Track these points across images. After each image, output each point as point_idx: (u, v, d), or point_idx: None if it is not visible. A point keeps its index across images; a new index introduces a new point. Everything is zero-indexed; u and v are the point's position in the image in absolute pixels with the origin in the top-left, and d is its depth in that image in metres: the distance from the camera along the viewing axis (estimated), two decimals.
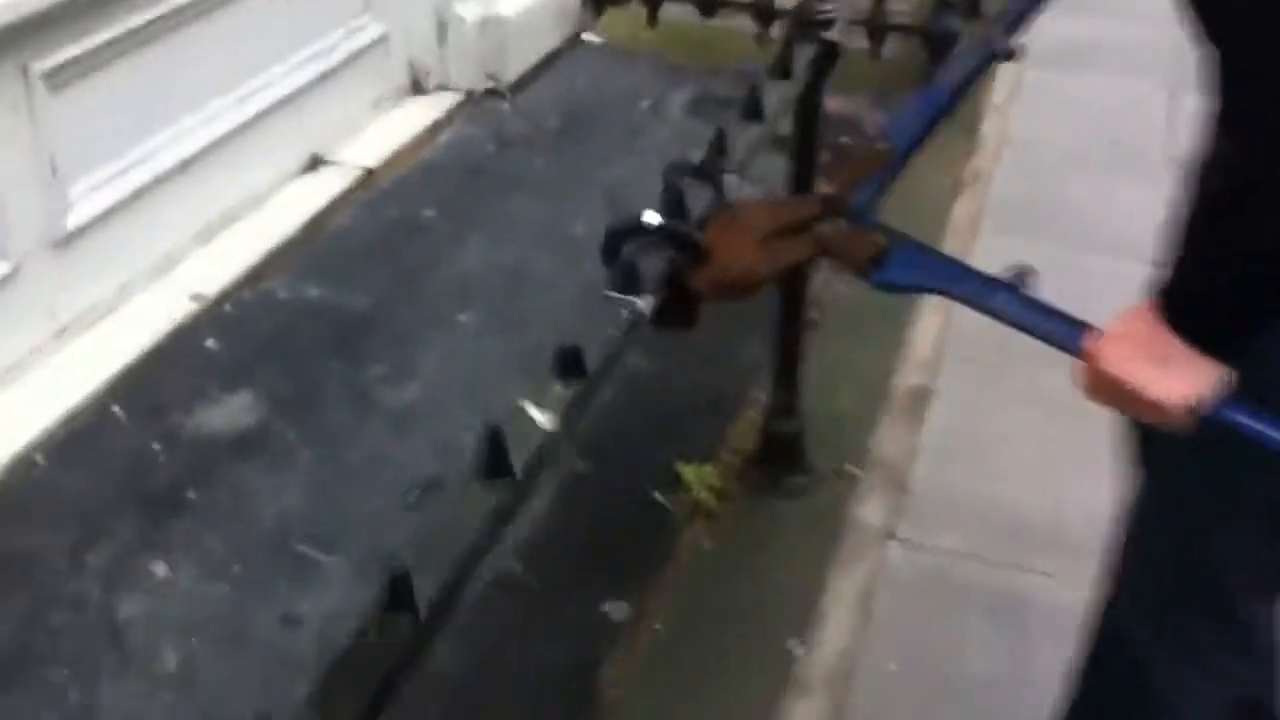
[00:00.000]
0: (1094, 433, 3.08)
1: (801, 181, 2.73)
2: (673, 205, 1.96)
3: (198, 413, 2.86)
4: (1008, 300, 2.01)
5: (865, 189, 2.12)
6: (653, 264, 1.88)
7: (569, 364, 1.55)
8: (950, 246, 3.83)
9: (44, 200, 2.88)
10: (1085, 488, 2.93)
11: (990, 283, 2.04)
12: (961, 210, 4.05)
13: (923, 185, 4.09)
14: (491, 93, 4.35)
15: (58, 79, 2.86)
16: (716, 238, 2.03)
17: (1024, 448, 3.08)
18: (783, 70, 2.39)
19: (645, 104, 4.52)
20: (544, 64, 4.61)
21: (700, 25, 4.91)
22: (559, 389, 1.55)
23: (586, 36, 4.92)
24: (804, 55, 2.48)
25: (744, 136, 2.21)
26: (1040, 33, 5.61)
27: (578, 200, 3.84)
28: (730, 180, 2.06)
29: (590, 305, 2.80)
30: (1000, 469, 3.01)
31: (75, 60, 2.91)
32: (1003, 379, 3.27)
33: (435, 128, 4.11)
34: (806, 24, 2.55)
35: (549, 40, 4.68)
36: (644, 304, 1.75)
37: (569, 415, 1.57)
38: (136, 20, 3.06)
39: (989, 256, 3.98)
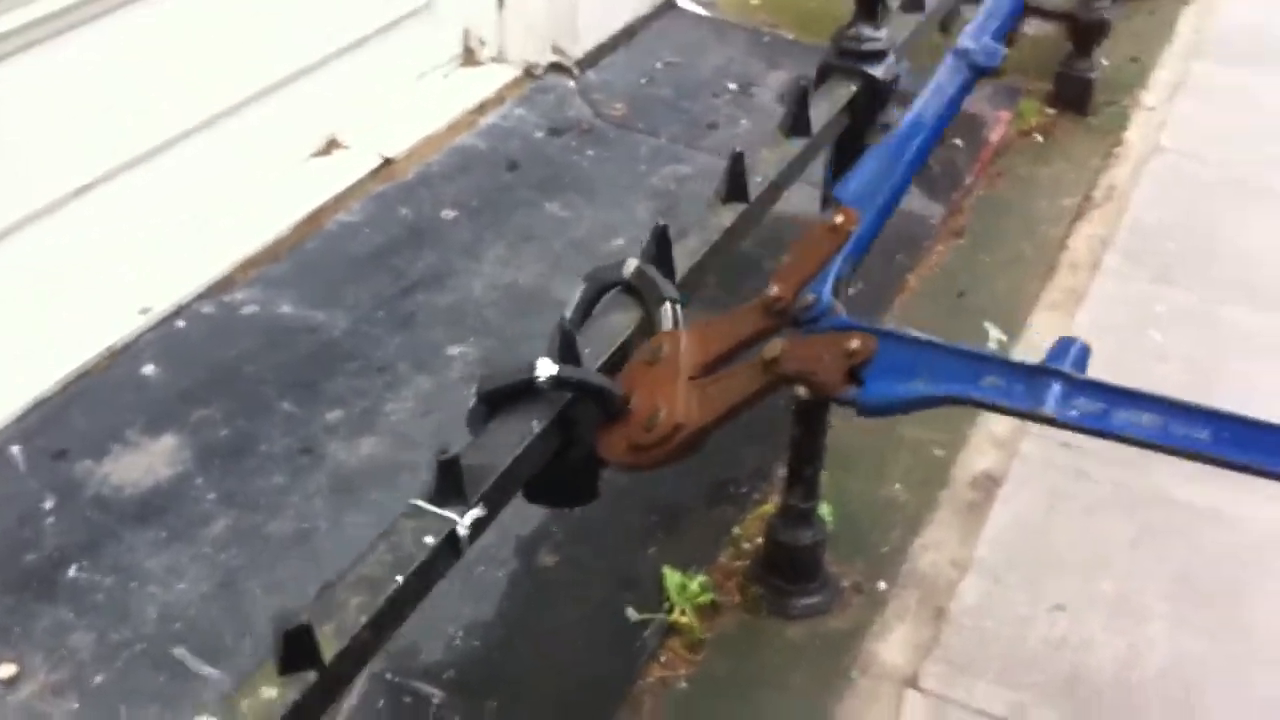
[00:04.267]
0: (1193, 559, 2.48)
1: None
2: (565, 340, 1.42)
3: (109, 460, 2.44)
4: (1066, 396, 1.40)
5: (821, 280, 1.56)
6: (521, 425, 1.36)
7: None
8: (1062, 289, 3.19)
9: None
10: (1167, 636, 2.33)
11: (1035, 374, 1.45)
12: (1082, 238, 3.38)
13: (1037, 202, 3.45)
14: (556, 68, 3.84)
15: None
16: (636, 385, 1.50)
17: (1104, 572, 2.47)
18: (795, 120, 1.81)
19: (731, 88, 3.96)
20: (625, 34, 4.08)
21: None
22: None
23: (684, 2, 4.36)
24: (834, 98, 1.90)
25: (707, 228, 1.65)
26: (1218, 14, 4.89)
27: (625, 207, 3.32)
28: (668, 302, 1.52)
29: None
30: (1071, 598, 2.42)
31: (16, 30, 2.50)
32: (1098, 468, 2.66)
33: (481, 108, 3.62)
34: (843, 55, 1.97)
35: (634, 6, 4.14)
36: (466, 522, 1.24)
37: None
38: None
39: (1105, 305, 3.33)
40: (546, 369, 1.37)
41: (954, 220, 3.41)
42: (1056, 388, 1.40)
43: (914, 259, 3.20)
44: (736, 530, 2.47)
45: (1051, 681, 2.26)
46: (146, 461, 2.45)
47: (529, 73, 3.79)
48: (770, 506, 2.48)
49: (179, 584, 2.23)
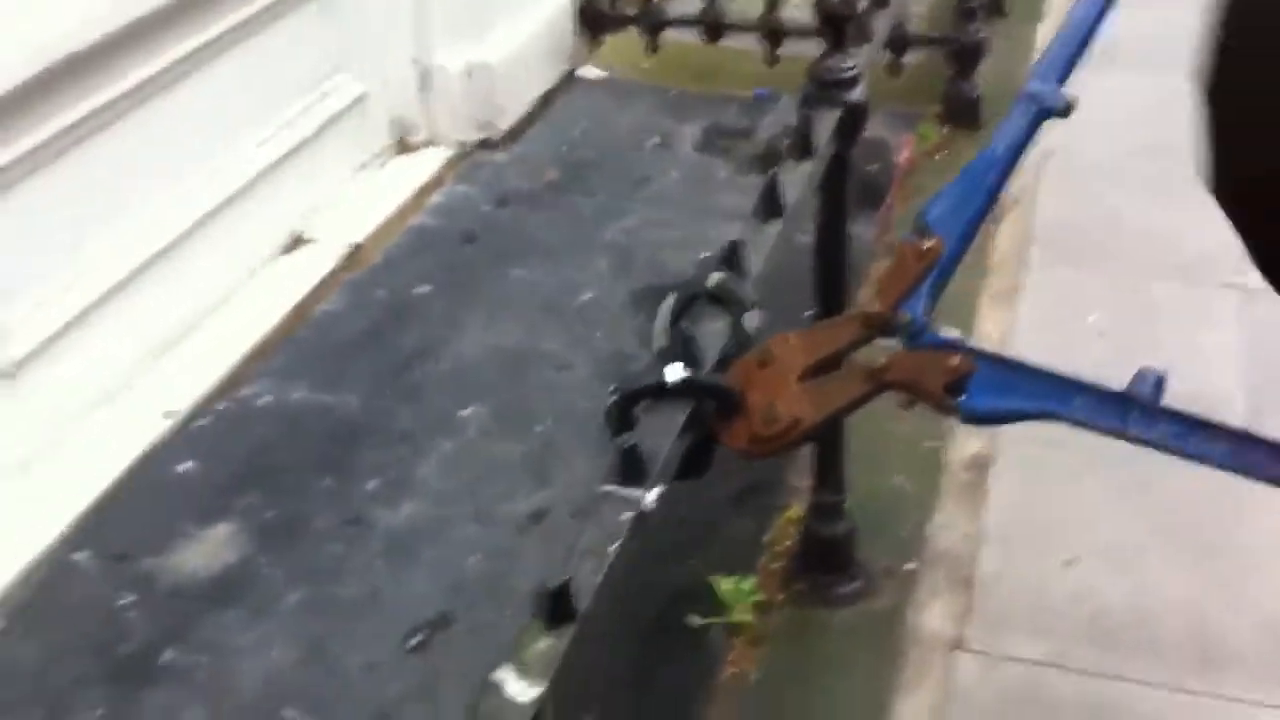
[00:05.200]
0: (1174, 501, 2.75)
1: (830, 289, 2.38)
2: (687, 347, 1.61)
3: (172, 554, 2.55)
4: (1146, 420, 1.63)
5: (914, 299, 1.78)
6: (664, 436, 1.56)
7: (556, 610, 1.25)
8: (999, 285, 3.50)
9: None
10: (1167, 570, 2.59)
11: (1118, 399, 1.65)
12: (1005, 238, 3.71)
13: None
14: (484, 144, 4.04)
15: None
16: (749, 383, 1.71)
17: (1099, 524, 2.74)
18: (802, 146, 2.04)
19: (651, 143, 4.20)
20: (539, 107, 4.30)
21: (704, 48, 4.58)
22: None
23: (583, 72, 4.60)
24: (824, 124, 2.13)
25: (760, 244, 1.86)
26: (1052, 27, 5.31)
27: (584, 263, 3.52)
28: (750, 311, 1.72)
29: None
30: (1077, 552, 2.66)
31: (13, 162, 2.61)
32: (1071, 438, 2.92)
33: (425, 190, 3.80)
34: (823, 86, 2.21)
35: (542, 81, 4.36)
36: (651, 498, 1.43)
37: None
38: (75, 112, 2.76)
39: (1040, 295, 3.65)
40: (677, 373, 1.57)
41: (886, 237, 3.69)
42: (1136, 412, 1.62)
43: (860, 275, 3.45)
44: (766, 538, 2.67)
45: (1079, 626, 2.50)
46: (208, 549, 2.56)
47: (461, 152, 3.98)
48: (793, 512, 2.69)
49: (271, 653, 2.34)
